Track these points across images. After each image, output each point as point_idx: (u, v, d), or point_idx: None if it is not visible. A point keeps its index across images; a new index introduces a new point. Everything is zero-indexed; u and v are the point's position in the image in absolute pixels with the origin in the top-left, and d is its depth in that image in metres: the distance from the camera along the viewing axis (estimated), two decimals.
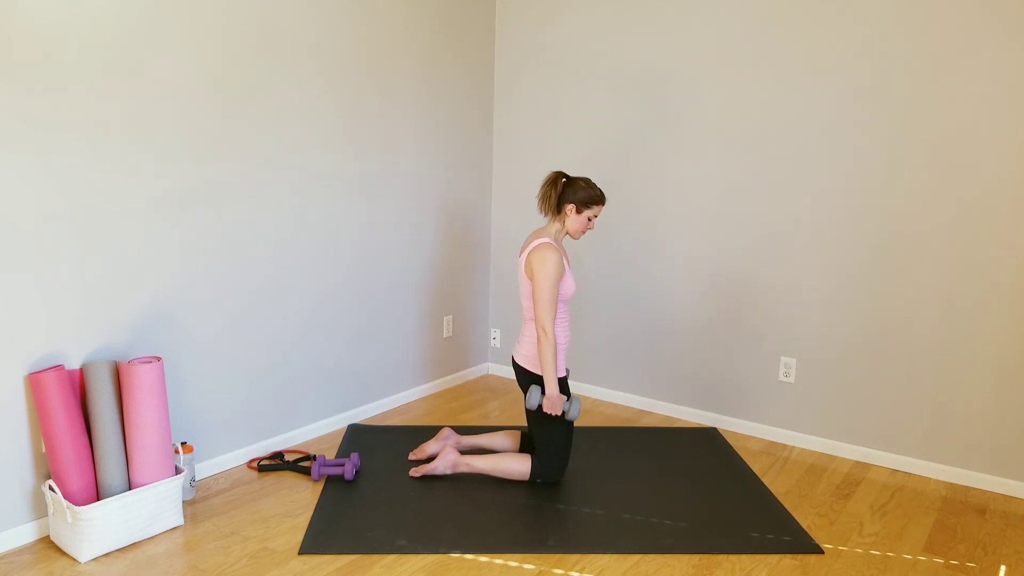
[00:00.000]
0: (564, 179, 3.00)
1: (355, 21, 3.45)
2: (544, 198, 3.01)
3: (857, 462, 3.40)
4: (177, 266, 2.89)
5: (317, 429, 3.56)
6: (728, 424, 3.76)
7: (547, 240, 2.92)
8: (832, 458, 3.43)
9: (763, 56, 3.44)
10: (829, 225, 3.37)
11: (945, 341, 3.17)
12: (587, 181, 2.97)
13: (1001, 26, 2.92)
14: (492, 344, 4.58)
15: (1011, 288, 3.02)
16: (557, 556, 2.54)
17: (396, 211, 3.80)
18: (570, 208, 2.95)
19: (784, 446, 3.56)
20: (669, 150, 3.76)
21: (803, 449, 3.53)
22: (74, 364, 2.63)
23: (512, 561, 2.50)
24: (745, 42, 3.48)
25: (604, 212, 3.99)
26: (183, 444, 2.88)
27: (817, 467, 3.33)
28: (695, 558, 2.54)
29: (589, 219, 2.97)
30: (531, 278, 2.90)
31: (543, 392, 2.91)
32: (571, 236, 3.01)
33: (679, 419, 3.89)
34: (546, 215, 3.03)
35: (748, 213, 3.57)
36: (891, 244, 3.23)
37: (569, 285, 2.95)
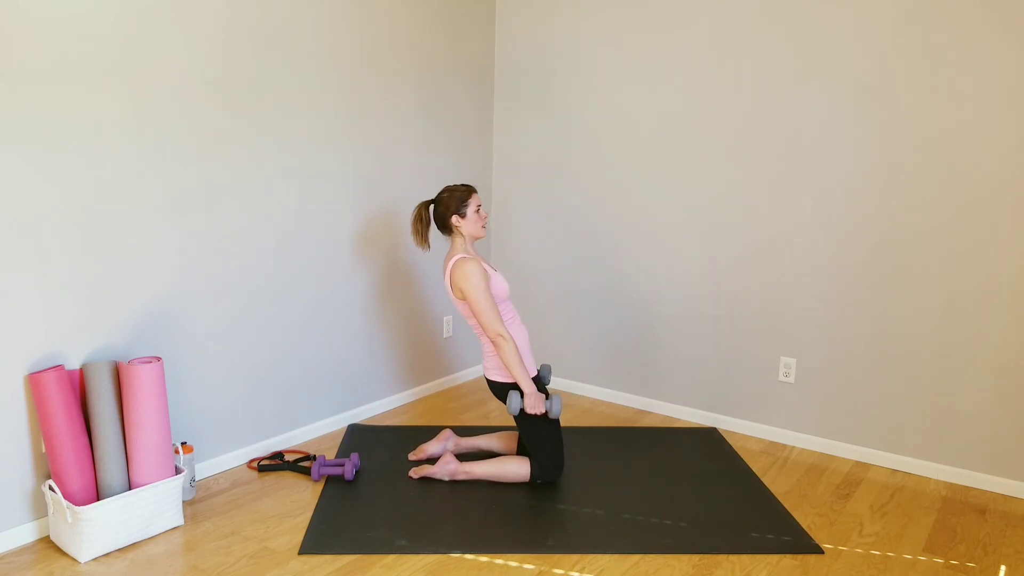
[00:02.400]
0: (428, 204, 3.05)
1: (355, 21, 3.45)
2: (417, 233, 3.04)
3: (857, 462, 3.40)
4: (177, 266, 2.89)
5: (317, 429, 3.56)
6: (728, 424, 3.76)
7: (460, 255, 2.93)
8: (832, 458, 3.43)
9: (764, 57, 3.44)
10: (829, 225, 3.37)
11: (945, 341, 3.17)
12: (447, 189, 3.01)
13: (1001, 25, 2.92)
14: None
15: (1011, 288, 3.02)
16: (557, 556, 2.54)
17: (396, 210, 3.81)
18: (455, 219, 2.98)
19: (784, 446, 3.56)
20: (668, 149, 3.76)
21: (803, 449, 3.53)
22: (74, 364, 2.63)
23: (512, 561, 2.50)
24: (745, 43, 3.48)
25: (606, 210, 3.99)
26: (183, 444, 2.88)
27: (817, 467, 3.33)
28: (695, 558, 2.54)
29: (477, 211, 2.99)
30: (459, 297, 2.92)
31: (521, 395, 2.90)
32: (477, 237, 3.03)
33: (679, 419, 3.89)
34: (423, 245, 3.06)
35: (748, 213, 3.57)
36: (891, 244, 3.23)
37: (499, 285, 2.98)
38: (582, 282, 4.13)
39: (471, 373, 4.48)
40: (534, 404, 2.88)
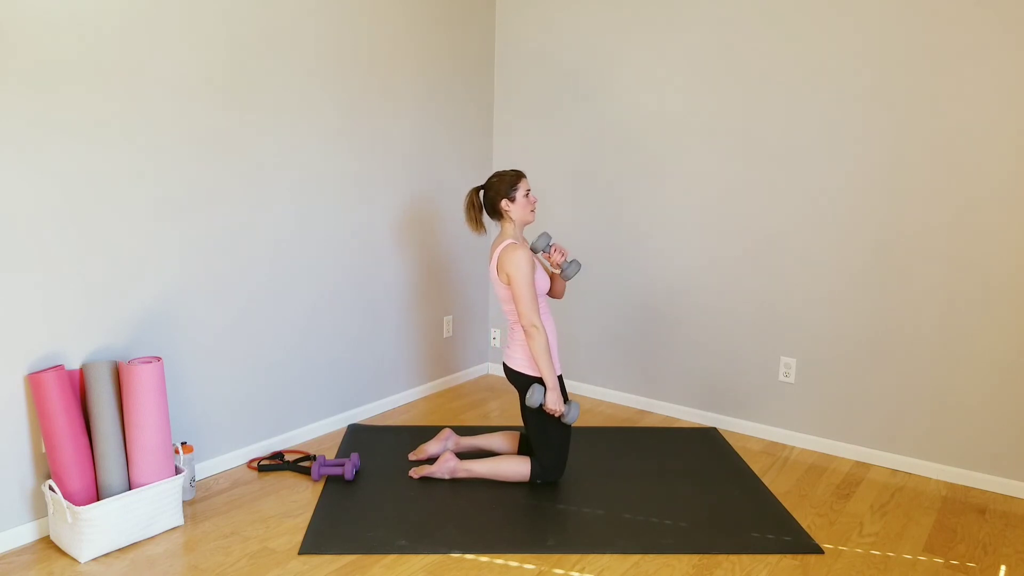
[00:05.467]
0: (479, 189, 3.06)
1: (355, 21, 3.45)
2: (471, 219, 3.06)
3: (857, 462, 3.40)
4: (177, 266, 2.89)
5: (317, 429, 3.56)
6: (728, 424, 3.76)
7: (511, 241, 2.94)
8: (832, 458, 3.43)
9: (765, 57, 3.44)
10: (829, 225, 3.37)
11: (945, 341, 3.17)
12: (496, 175, 3.02)
13: (1001, 26, 2.92)
14: (492, 344, 4.58)
15: (1011, 288, 3.02)
16: (557, 556, 2.54)
17: (396, 210, 3.81)
18: (504, 203, 2.98)
19: (784, 446, 3.56)
20: (669, 150, 3.76)
21: (803, 449, 3.53)
22: (74, 364, 2.63)
23: (512, 561, 2.50)
24: (746, 43, 3.48)
25: (605, 210, 3.99)
26: (183, 444, 2.88)
27: (817, 467, 3.33)
28: (695, 558, 2.54)
29: (526, 196, 3.00)
30: (507, 283, 2.91)
31: (544, 390, 2.90)
32: (527, 222, 3.03)
33: (679, 419, 3.89)
34: (478, 230, 3.07)
35: (748, 213, 3.57)
36: (891, 244, 3.23)
37: (541, 280, 2.97)
38: (581, 282, 4.13)
39: (471, 373, 4.48)
40: (555, 402, 2.89)
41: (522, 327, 2.91)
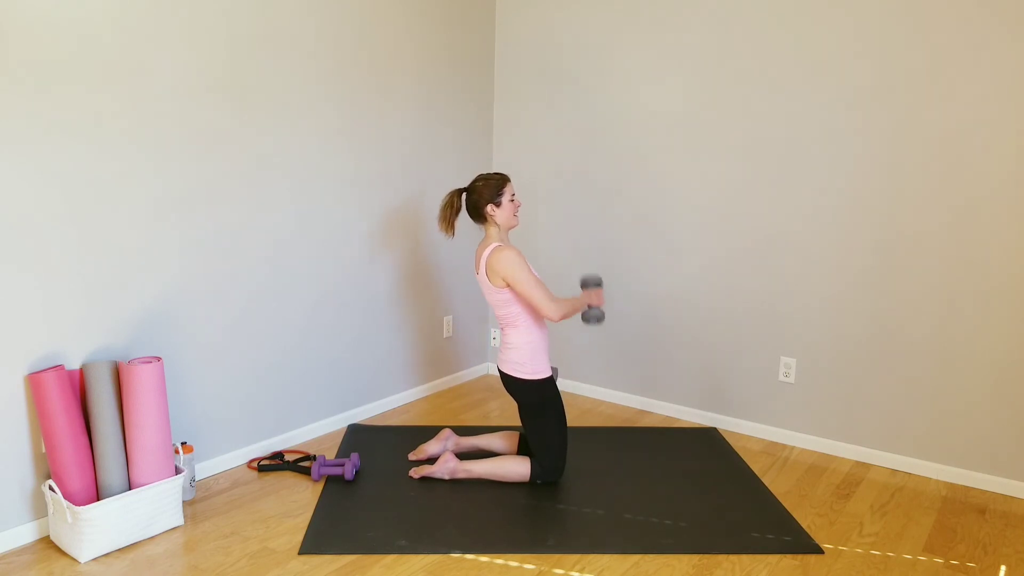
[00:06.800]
0: (461, 192, 3.01)
1: (355, 20, 3.45)
2: (445, 220, 3.00)
3: (857, 462, 3.40)
4: (177, 266, 2.89)
5: (317, 429, 3.56)
6: (728, 424, 3.76)
7: (496, 244, 2.92)
8: (832, 458, 3.43)
9: (764, 57, 3.44)
10: (829, 225, 3.37)
11: (945, 341, 3.17)
12: (481, 178, 2.97)
13: (1001, 26, 2.92)
14: (492, 344, 4.58)
15: (1011, 288, 3.02)
16: (557, 556, 2.54)
17: (395, 210, 3.81)
18: (490, 208, 2.94)
19: (784, 446, 3.56)
20: (668, 149, 3.76)
21: (803, 449, 3.53)
22: (74, 364, 2.63)
23: (512, 561, 2.50)
24: (745, 42, 3.48)
25: (605, 210, 3.99)
26: (183, 444, 2.88)
27: (817, 467, 3.33)
28: (695, 558, 2.54)
29: (511, 200, 2.97)
30: (504, 286, 2.90)
31: (587, 311, 3.01)
32: (511, 226, 3.01)
33: (679, 419, 3.89)
34: (449, 232, 3.01)
35: (748, 213, 3.57)
36: (891, 244, 3.23)
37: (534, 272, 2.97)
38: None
39: (471, 373, 4.48)
40: (598, 297, 3.02)
41: (546, 320, 2.93)
